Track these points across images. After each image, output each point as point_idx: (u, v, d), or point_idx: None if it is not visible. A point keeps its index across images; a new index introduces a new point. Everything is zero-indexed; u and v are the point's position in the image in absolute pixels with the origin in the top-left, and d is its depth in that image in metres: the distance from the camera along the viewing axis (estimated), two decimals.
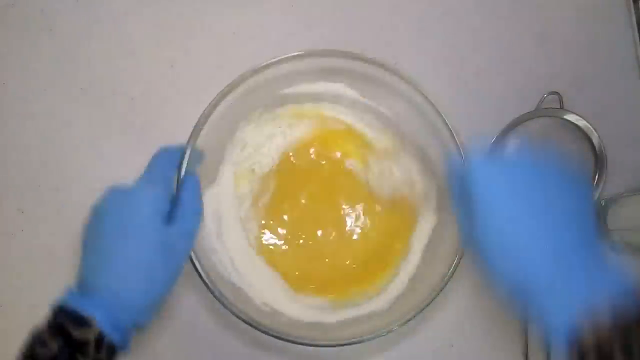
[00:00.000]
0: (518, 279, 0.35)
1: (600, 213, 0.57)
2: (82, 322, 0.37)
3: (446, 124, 0.49)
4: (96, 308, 0.38)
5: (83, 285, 0.40)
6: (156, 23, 0.59)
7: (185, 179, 0.45)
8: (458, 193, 0.39)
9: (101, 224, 0.41)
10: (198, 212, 0.44)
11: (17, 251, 0.56)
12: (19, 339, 0.56)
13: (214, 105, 0.48)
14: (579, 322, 0.32)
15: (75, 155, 0.57)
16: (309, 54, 0.50)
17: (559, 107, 0.56)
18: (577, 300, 0.32)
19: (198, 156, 0.48)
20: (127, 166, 0.57)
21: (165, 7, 0.59)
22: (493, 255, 0.36)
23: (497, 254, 0.35)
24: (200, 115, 0.48)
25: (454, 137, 0.48)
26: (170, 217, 0.42)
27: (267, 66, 0.49)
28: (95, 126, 0.57)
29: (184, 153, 0.46)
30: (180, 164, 0.46)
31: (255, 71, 0.49)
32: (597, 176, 0.56)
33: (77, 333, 0.36)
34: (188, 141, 0.47)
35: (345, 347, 0.47)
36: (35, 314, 0.55)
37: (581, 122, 0.55)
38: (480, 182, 0.36)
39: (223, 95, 0.49)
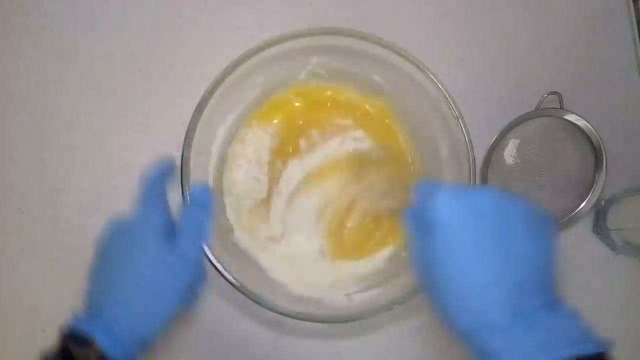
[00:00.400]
0: (474, 324, 0.34)
1: (600, 213, 0.57)
2: (83, 342, 0.38)
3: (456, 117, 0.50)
4: (97, 328, 0.38)
5: (87, 309, 0.41)
6: (156, 23, 0.59)
7: (191, 192, 0.46)
8: (417, 224, 0.38)
9: (103, 253, 0.42)
10: (200, 230, 0.44)
11: (17, 251, 0.56)
12: (19, 339, 0.57)
13: (199, 111, 0.49)
14: None
15: (75, 155, 0.57)
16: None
17: (559, 107, 0.56)
18: (537, 357, 0.31)
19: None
20: (127, 166, 0.57)
21: (165, 7, 0.59)
22: (449, 295, 0.34)
23: (454, 294, 0.34)
24: (188, 125, 0.49)
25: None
26: (173, 234, 0.42)
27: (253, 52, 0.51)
28: (95, 126, 0.57)
29: (180, 166, 0.47)
30: (181, 176, 0.47)
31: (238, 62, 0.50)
32: (597, 176, 0.56)
33: (78, 353, 0.37)
34: (182, 154, 0.48)
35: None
36: (35, 314, 0.55)
37: (581, 122, 0.55)
38: (445, 216, 0.35)
39: (205, 99, 0.50)
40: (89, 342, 0.38)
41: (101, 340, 0.38)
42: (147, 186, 0.44)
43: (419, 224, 0.37)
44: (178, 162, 0.48)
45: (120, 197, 0.56)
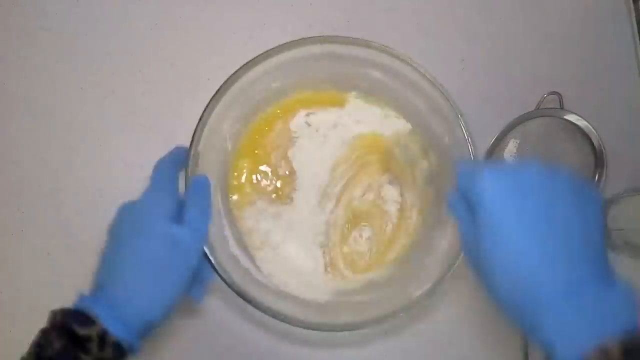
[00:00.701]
0: (525, 302, 0.34)
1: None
2: (86, 319, 0.38)
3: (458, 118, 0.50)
4: (100, 306, 0.38)
5: (93, 289, 0.41)
6: (156, 23, 0.59)
7: (193, 179, 0.46)
8: (462, 201, 0.38)
9: (112, 233, 0.43)
10: (206, 211, 0.45)
11: (17, 251, 0.56)
12: (19, 339, 0.56)
13: (211, 107, 0.49)
14: (587, 356, 0.31)
15: (75, 155, 0.57)
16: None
17: (559, 107, 0.56)
18: (587, 335, 0.31)
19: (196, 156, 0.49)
20: (128, 166, 0.57)
21: (165, 7, 0.59)
22: (499, 274, 0.34)
23: (504, 274, 0.34)
24: (200, 118, 0.49)
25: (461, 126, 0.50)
26: (179, 218, 0.43)
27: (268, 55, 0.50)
28: (95, 126, 0.57)
29: (187, 155, 0.47)
30: (186, 165, 0.47)
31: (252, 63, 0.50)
32: (597, 176, 0.56)
33: (80, 330, 0.37)
34: (191, 143, 0.48)
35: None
36: (35, 314, 0.55)
37: (581, 122, 0.55)
38: (492, 195, 0.35)
39: (220, 94, 0.49)
40: (92, 321, 0.37)
41: (104, 319, 0.37)
42: (158, 171, 0.46)
43: (464, 207, 0.37)
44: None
45: (121, 197, 0.56)
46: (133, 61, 0.58)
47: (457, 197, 0.39)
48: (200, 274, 0.45)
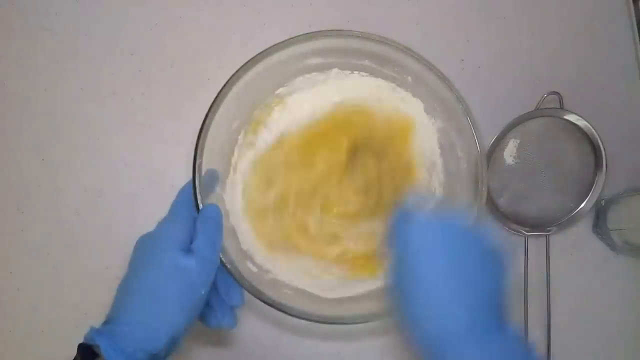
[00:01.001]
0: (435, 330, 0.37)
1: (600, 213, 0.57)
2: (92, 353, 0.38)
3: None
4: (103, 338, 0.39)
5: (103, 321, 0.42)
6: (156, 23, 0.59)
7: (203, 209, 0.46)
8: (394, 239, 0.42)
9: (129, 265, 0.43)
10: (216, 240, 0.44)
11: (17, 251, 0.56)
12: (19, 339, 0.56)
13: (212, 114, 0.48)
14: None
15: (75, 155, 0.57)
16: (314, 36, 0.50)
17: (559, 107, 0.56)
18: None
19: (214, 177, 0.49)
20: (128, 166, 0.57)
21: (165, 7, 0.59)
22: (416, 307, 0.38)
23: (420, 307, 0.38)
24: (200, 133, 0.47)
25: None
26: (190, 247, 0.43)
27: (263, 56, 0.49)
28: (95, 126, 0.57)
29: (194, 183, 0.46)
30: (194, 195, 0.46)
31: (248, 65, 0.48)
32: (597, 176, 0.56)
33: None
34: (194, 171, 0.47)
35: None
36: (35, 314, 0.55)
37: (581, 122, 0.55)
38: (419, 240, 0.39)
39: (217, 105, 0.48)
40: (96, 354, 0.38)
41: (106, 351, 0.38)
42: (179, 198, 0.46)
43: (396, 245, 0.41)
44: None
45: (121, 197, 0.57)
46: (133, 61, 0.58)
47: (392, 235, 0.43)
48: (230, 299, 0.46)
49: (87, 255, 0.56)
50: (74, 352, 0.38)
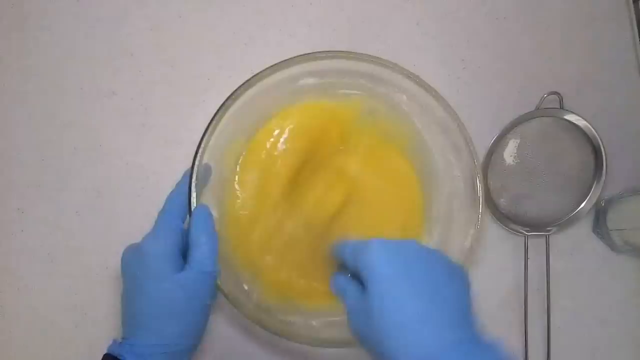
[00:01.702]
0: (409, 354, 0.37)
1: (600, 213, 0.57)
2: None
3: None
4: (126, 352, 0.41)
5: (122, 333, 0.44)
6: (156, 23, 0.59)
7: (194, 212, 0.46)
8: (347, 278, 0.43)
9: (126, 276, 0.45)
10: (211, 249, 0.45)
11: (17, 251, 0.56)
12: (19, 340, 0.56)
13: (213, 126, 0.48)
14: None
15: (75, 155, 0.57)
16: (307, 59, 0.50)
17: (559, 107, 0.56)
18: None
19: (207, 172, 0.49)
20: (127, 166, 0.57)
21: (165, 7, 0.59)
22: (389, 336, 0.37)
23: (393, 334, 0.37)
24: (199, 143, 0.48)
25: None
26: (185, 260, 0.44)
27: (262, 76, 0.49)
28: (95, 126, 0.57)
29: (189, 189, 0.47)
30: (189, 199, 0.47)
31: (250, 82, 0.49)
32: (597, 176, 0.56)
33: None
34: (190, 175, 0.47)
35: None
36: (35, 314, 0.55)
37: (581, 122, 0.55)
38: (382, 266, 0.39)
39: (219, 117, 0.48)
40: None
41: None
42: (160, 215, 0.46)
43: (350, 283, 0.42)
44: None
45: (121, 198, 0.57)
46: (133, 61, 0.58)
47: (342, 277, 0.44)
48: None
49: (87, 255, 0.56)
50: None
